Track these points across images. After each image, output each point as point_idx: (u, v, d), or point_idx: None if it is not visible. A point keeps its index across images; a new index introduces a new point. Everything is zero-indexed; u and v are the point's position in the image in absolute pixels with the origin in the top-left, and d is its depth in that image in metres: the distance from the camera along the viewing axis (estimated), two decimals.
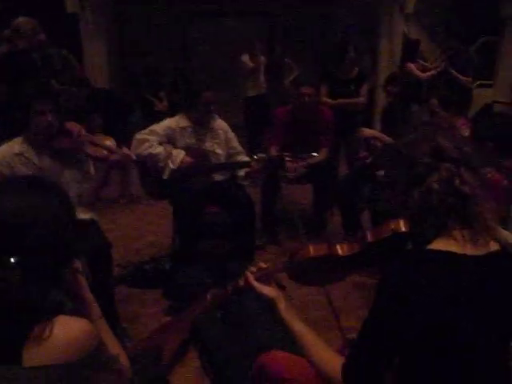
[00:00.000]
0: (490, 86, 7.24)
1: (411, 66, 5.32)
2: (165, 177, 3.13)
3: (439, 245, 1.10)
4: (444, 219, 1.10)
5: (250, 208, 3.29)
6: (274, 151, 3.66)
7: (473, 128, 2.58)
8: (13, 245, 0.97)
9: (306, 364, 1.36)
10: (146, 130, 3.19)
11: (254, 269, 1.49)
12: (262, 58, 6.48)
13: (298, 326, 1.34)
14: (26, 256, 0.96)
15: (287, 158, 3.25)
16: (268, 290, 1.42)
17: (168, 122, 3.25)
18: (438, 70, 5.38)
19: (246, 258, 3.23)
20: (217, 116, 3.33)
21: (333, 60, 4.56)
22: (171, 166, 3.12)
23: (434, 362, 1.05)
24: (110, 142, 2.57)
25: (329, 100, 4.24)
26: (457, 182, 1.08)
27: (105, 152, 2.51)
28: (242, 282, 1.49)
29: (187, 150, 3.20)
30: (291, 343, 2.43)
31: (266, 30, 8.56)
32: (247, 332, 2.57)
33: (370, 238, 1.36)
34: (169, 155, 3.14)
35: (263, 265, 1.50)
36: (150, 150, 3.11)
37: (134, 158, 2.83)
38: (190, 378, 2.40)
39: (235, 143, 3.41)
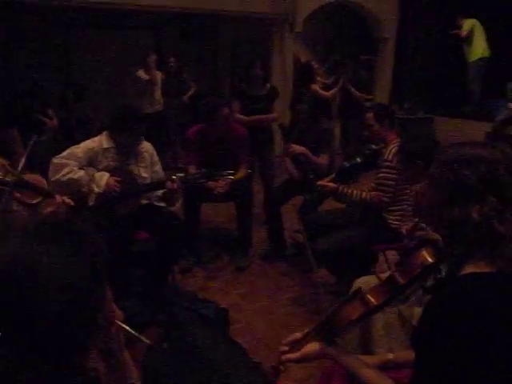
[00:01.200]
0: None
1: (315, 87, 5.56)
2: (90, 203, 2.84)
3: (472, 269, 1.10)
4: (473, 248, 1.11)
5: (176, 230, 3.12)
6: (191, 171, 3.55)
7: (400, 147, 2.71)
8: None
9: None
10: (65, 154, 2.87)
11: (286, 347, 1.41)
12: (159, 73, 6.30)
13: (356, 364, 1.32)
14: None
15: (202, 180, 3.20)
16: (311, 350, 1.36)
17: (89, 144, 2.96)
18: (339, 87, 5.71)
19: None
20: (142, 137, 3.11)
21: (241, 77, 4.57)
22: (96, 189, 2.84)
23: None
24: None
25: (242, 116, 4.23)
26: (495, 219, 1.06)
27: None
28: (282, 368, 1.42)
29: (111, 172, 2.95)
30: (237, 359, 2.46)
31: (153, 44, 8.35)
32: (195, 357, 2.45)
33: (401, 279, 1.32)
34: (92, 179, 2.86)
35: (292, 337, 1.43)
36: (71, 175, 2.81)
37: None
38: None
39: (158, 167, 3.23)
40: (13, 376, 0.75)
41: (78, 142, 3.01)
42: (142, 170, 3.10)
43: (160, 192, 3.11)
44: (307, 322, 2.93)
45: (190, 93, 6.55)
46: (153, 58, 6.17)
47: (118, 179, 2.92)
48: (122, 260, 2.94)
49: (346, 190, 2.93)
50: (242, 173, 3.65)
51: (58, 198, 2.43)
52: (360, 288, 1.37)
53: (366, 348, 2.14)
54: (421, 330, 1.13)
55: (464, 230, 1.10)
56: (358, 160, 2.97)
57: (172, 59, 6.48)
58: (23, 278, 0.78)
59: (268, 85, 4.43)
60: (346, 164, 2.97)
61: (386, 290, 1.34)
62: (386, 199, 2.86)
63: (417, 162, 2.36)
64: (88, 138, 3.07)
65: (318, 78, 5.82)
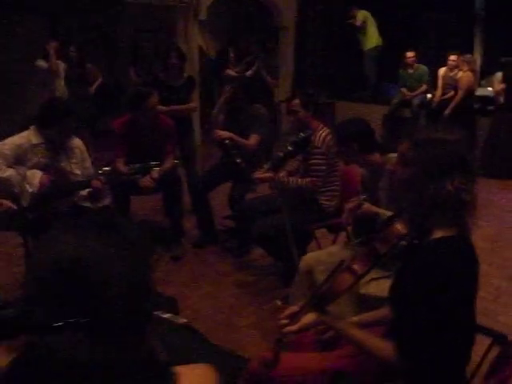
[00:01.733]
0: None
1: (230, 71, 5.61)
2: (25, 203, 2.68)
3: (440, 234, 1.34)
4: (440, 216, 1.34)
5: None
6: (120, 165, 3.48)
7: (334, 131, 2.89)
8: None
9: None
10: None
11: (285, 321, 1.52)
12: (60, 63, 5.95)
13: (352, 330, 1.46)
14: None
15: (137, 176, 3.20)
16: (309, 321, 1.51)
17: (16, 140, 2.78)
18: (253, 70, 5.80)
19: None
20: (72, 133, 2.98)
21: (158, 66, 4.50)
22: (29, 189, 2.69)
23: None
24: None
25: (160, 107, 4.15)
26: (463, 191, 1.30)
27: None
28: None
29: (42, 169, 2.80)
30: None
31: (49, 32, 7.82)
32: None
33: (381, 248, 1.48)
34: (23, 178, 2.70)
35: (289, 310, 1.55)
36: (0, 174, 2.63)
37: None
38: None
39: (88, 163, 3.12)
40: (96, 361, 0.77)
41: None
42: (73, 166, 2.99)
43: (85, 191, 3.00)
44: (253, 302, 3.07)
45: (96, 83, 6.28)
46: (53, 45, 5.80)
47: (51, 177, 2.79)
48: None
49: (283, 178, 3.06)
50: (169, 163, 3.63)
51: (5, 202, 2.28)
52: (343, 260, 1.51)
53: None
54: (400, 286, 1.41)
55: (437, 201, 1.29)
56: (290, 148, 3.09)
57: (72, 48, 6.15)
58: (89, 270, 0.80)
59: (185, 74, 4.41)
60: (280, 154, 3.09)
61: (368, 259, 1.50)
62: (319, 183, 3.05)
63: (352, 143, 2.53)
64: None
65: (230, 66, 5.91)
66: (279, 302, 3.06)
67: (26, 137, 2.81)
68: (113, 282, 0.81)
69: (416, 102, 6.82)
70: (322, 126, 3.14)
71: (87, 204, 3.11)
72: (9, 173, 2.68)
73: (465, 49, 6.82)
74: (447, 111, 6.22)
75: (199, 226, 3.98)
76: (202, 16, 7.16)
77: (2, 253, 3.69)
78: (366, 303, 2.31)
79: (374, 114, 6.84)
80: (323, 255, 2.55)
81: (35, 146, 2.81)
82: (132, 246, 0.89)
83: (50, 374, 0.76)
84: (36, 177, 2.73)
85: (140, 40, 8.41)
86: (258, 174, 3.07)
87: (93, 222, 0.89)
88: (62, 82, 6.00)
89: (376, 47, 7.44)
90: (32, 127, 2.86)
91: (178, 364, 0.90)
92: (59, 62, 5.94)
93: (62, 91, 6.00)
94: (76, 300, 0.78)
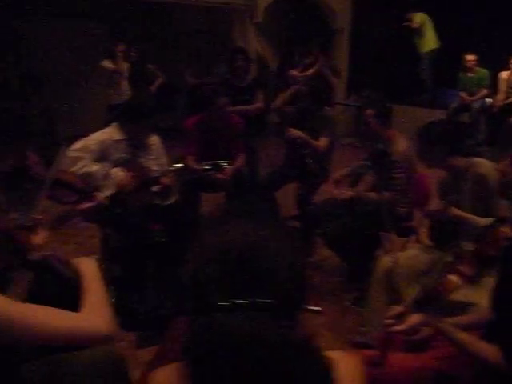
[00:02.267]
0: None
1: (294, 72, 5.59)
2: (105, 196, 2.81)
3: None
4: None
5: (188, 223, 3.14)
6: (191, 162, 3.57)
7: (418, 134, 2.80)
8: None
9: None
10: (78, 146, 2.80)
11: (391, 320, 1.55)
12: (125, 64, 6.16)
13: (458, 332, 1.46)
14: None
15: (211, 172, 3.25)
16: (415, 321, 1.51)
17: (100, 136, 2.90)
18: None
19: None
20: (152, 130, 3.09)
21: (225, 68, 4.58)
22: (112, 185, 2.81)
23: None
24: None
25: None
26: None
27: None
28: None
29: (122, 164, 2.92)
30: None
31: (107, 35, 8.08)
32: None
33: (491, 251, 1.48)
34: (107, 174, 2.82)
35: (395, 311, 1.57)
36: (86, 169, 2.75)
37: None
38: None
39: (164, 160, 3.22)
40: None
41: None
42: (151, 162, 3.09)
43: (156, 188, 3.06)
44: (322, 303, 3.07)
45: (157, 83, 6.46)
46: (120, 47, 6.02)
47: (133, 174, 2.90)
48: (138, 252, 2.95)
49: (364, 194, 3.02)
50: (240, 161, 3.70)
51: (98, 195, 2.39)
52: (450, 261, 1.52)
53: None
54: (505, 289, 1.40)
55: None
56: (369, 163, 3.06)
57: (132, 49, 6.39)
58: (261, 256, 0.85)
59: (250, 75, 4.46)
60: (360, 169, 3.06)
61: (474, 261, 1.50)
62: (399, 196, 2.97)
63: (438, 146, 2.44)
64: (51, 129, 3.02)
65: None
66: (349, 304, 3.09)
67: (109, 133, 2.92)
68: (283, 267, 0.86)
69: (476, 106, 6.64)
70: (397, 134, 3.02)
71: (157, 201, 3.22)
72: (95, 168, 2.79)
73: None
74: None
75: None
76: (258, 18, 7.25)
77: (77, 243, 3.85)
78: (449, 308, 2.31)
79: (432, 119, 6.70)
80: (402, 258, 2.53)
81: (118, 142, 2.92)
82: (290, 234, 0.95)
83: (232, 351, 0.80)
84: (119, 174, 2.84)
85: (195, 41, 8.58)
86: (339, 193, 3.05)
87: (258, 210, 0.95)
88: (126, 82, 6.21)
89: (433, 50, 7.31)
90: (114, 124, 2.97)
91: None
92: (124, 62, 6.15)
93: (125, 90, 6.21)
94: (249, 283, 0.83)
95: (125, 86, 6.20)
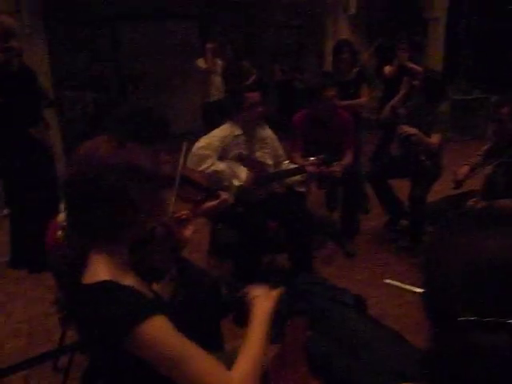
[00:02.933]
0: None
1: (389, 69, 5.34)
2: (231, 197, 2.84)
3: None
4: None
5: (307, 220, 3.10)
6: (298, 159, 3.53)
7: None
8: None
9: None
10: (203, 144, 2.85)
11: None
12: (219, 62, 6.24)
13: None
14: None
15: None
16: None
17: (221, 132, 2.94)
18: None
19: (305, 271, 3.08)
20: (265, 123, 3.09)
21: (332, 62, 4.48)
22: (236, 183, 2.84)
23: None
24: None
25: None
26: None
27: None
28: None
29: (241, 160, 2.94)
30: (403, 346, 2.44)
31: (197, 32, 8.26)
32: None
33: None
34: (232, 172, 2.85)
35: None
36: (214, 168, 2.80)
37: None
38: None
39: (281, 151, 3.21)
40: None
41: None
42: (266, 156, 3.09)
43: (298, 177, 3.10)
44: None
45: (251, 79, 6.48)
46: (209, 46, 6.10)
47: (253, 174, 2.91)
48: (254, 249, 2.95)
49: (499, 204, 2.73)
50: (349, 158, 3.61)
51: (223, 194, 2.42)
52: None
53: None
54: None
55: None
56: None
57: (228, 47, 6.45)
58: None
59: (355, 69, 4.35)
60: (498, 177, 2.87)
61: None
62: None
63: None
64: None
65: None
66: None
67: (228, 129, 2.95)
68: None
69: None
70: None
71: (302, 189, 3.25)
72: (222, 166, 2.83)
73: None
74: None
75: (387, 211, 3.91)
76: (352, 11, 7.07)
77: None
78: None
79: None
80: None
81: (237, 137, 2.94)
82: None
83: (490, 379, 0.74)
84: (242, 170, 2.86)
85: (283, 37, 8.56)
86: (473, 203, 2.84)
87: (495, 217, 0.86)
88: (219, 79, 6.29)
89: None
90: (228, 121, 3.00)
91: None
92: (217, 59, 6.23)
93: (218, 87, 6.29)
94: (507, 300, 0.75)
95: (218, 83, 6.29)
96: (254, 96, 2.95)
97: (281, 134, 3.43)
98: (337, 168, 3.30)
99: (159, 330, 0.99)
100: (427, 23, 7.83)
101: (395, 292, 3.13)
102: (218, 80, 6.29)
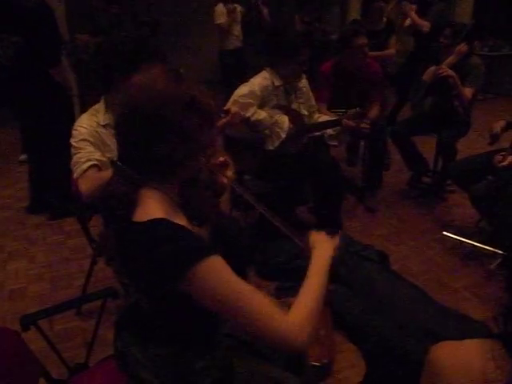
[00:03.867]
0: None
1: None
2: (273, 147, 2.79)
3: None
4: None
5: (338, 173, 3.05)
6: (324, 110, 3.42)
7: None
8: None
9: None
10: (245, 91, 2.74)
11: None
12: (239, 8, 6.00)
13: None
14: None
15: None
16: None
17: (262, 81, 2.82)
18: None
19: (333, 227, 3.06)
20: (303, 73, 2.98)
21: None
22: (282, 134, 2.80)
23: None
24: None
25: None
26: None
27: None
28: None
29: (280, 110, 2.87)
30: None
31: None
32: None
33: None
34: (275, 122, 2.79)
35: None
36: (256, 116, 2.74)
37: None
38: None
39: (313, 101, 3.12)
40: None
41: None
42: (301, 106, 3.01)
43: (332, 130, 3.04)
44: (464, 265, 2.92)
45: (267, 28, 6.26)
46: None
47: (292, 125, 2.85)
48: (289, 198, 2.94)
49: None
50: (376, 111, 3.50)
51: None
52: None
53: None
54: None
55: None
56: None
57: None
58: None
59: (385, 18, 4.16)
60: None
61: None
62: None
63: None
64: None
65: None
66: (493, 268, 2.89)
67: (269, 78, 2.84)
68: None
69: None
70: None
71: (333, 143, 3.21)
72: (264, 115, 2.77)
73: None
74: None
75: (410, 168, 3.86)
76: None
77: None
78: None
79: None
80: None
81: (277, 87, 2.86)
82: None
83: None
84: (285, 121, 2.80)
85: None
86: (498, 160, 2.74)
87: None
88: (239, 27, 6.07)
89: None
90: (267, 69, 2.88)
91: None
92: (237, 5, 5.99)
93: (238, 36, 6.08)
94: None
95: (237, 31, 6.07)
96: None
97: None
98: (367, 123, 3.21)
99: (218, 269, 0.97)
100: None
101: (416, 248, 3.11)
102: (237, 28, 6.08)
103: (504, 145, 2.98)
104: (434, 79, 3.42)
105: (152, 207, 1.00)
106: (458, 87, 3.34)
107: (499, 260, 2.87)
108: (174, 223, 0.99)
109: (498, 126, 2.94)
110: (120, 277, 1.08)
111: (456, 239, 2.90)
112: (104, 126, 1.95)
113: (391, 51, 4.13)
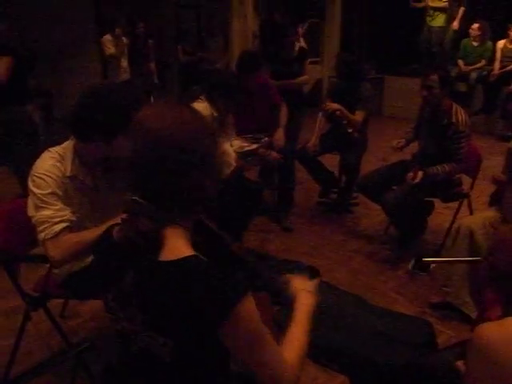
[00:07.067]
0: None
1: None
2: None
3: None
4: None
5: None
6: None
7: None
8: None
9: None
10: None
11: None
12: (125, 40, 5.89)
13: None
14: None
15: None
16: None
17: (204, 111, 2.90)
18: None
19: None
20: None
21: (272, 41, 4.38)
22: (233, 163, 3.07)
23: None
24: None
25: (273, 81, 3.99)
26: None
27: None
28: None
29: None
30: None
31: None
32: None
33: None
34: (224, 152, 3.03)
35: None
36: None
37: None
38: None
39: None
40: None
41: None
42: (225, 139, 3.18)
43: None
44: (385, 270, 3.12)
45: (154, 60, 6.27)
46: (122, 24, 5.74)
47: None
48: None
49: (432, 170, 2.99)
50: (280, 136, 3.59)
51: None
52: None
53: None
54: None
55: None
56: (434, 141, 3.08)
57: (141, 25, 6.16)
58: None
59: (297, 46, 4.21)
60: (428, 150, 3.12)
61: None
62: (462, 166, 3.03)
63: None
64: None
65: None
66: (412, 269, 3.13)
67: (206, 108, 2.94)
68: None
69: (474, 75, 6.65)
70: (454, 104, 3.02)
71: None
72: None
73: None
74: None
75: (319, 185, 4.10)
76: None
77: None
78: None
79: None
80: (479, 219, 2.56)
81: (214, 118, 2.99)
82: None
83: None
84: (232, 153, 3.05)
85: (182, 17, 8.34)
86: (411, 177, 3.00)
87: None
88: (125, 60, 5.93)
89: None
90: (203, 98, 3.04)
91: None
92: (125, 39, 5.88)
93: (125, 68, 5.94)
94: None
95: (125, 63, 5.93)
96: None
97: None
98: (275, 154, 3.43)
99: (252, 309, 0.92)
100: (324, 4, 8.07)
101: (338, 260, 3.27)
102: (124, 60, 5.93)
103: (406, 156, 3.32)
104: (325, 114, 3.77)
105: (179, 244, 0.94)
106: (346, 117, 3.65)
107: (413, 261, 3.12)
108: (206, 261, 0.94)
109: (396, 144, 3.29)
110: (122, 322, 0.98)
111: (436, 261, 3.01)
112: (69, 178, 1.72)
113: (305, 77, 4.24)
